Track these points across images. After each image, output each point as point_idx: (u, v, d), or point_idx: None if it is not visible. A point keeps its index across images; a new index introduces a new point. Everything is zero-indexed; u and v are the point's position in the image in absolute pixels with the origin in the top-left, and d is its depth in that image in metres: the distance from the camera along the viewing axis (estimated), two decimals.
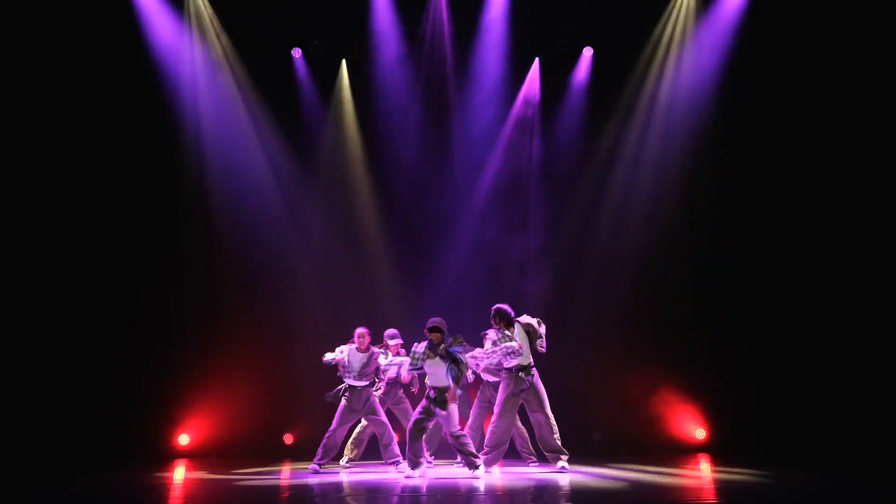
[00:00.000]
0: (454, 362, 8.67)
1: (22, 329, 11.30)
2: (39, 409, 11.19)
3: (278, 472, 9.65)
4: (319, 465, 9.49)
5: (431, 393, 8.83)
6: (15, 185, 11.41)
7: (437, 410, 8.75)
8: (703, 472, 9.23)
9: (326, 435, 9.54)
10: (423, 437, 8.98)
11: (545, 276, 12.29)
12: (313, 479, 8.85)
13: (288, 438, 11.98)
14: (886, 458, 9.84)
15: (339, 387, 9.65)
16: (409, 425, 8.99)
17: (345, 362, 9.58)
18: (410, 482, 8.43)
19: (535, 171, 12.57)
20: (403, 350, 9.99)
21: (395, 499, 7.47)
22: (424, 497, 7.48)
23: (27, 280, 11.41)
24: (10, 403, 11.09)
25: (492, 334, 9.39)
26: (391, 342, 10.02)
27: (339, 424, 9.56)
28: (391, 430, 9.70)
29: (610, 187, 12.38)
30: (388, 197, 12.53)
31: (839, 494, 7.39)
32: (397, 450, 9.59)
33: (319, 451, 9.52)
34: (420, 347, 8.89)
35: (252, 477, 9.17)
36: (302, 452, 11.63)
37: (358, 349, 9.64)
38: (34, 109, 11.41)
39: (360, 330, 9.71)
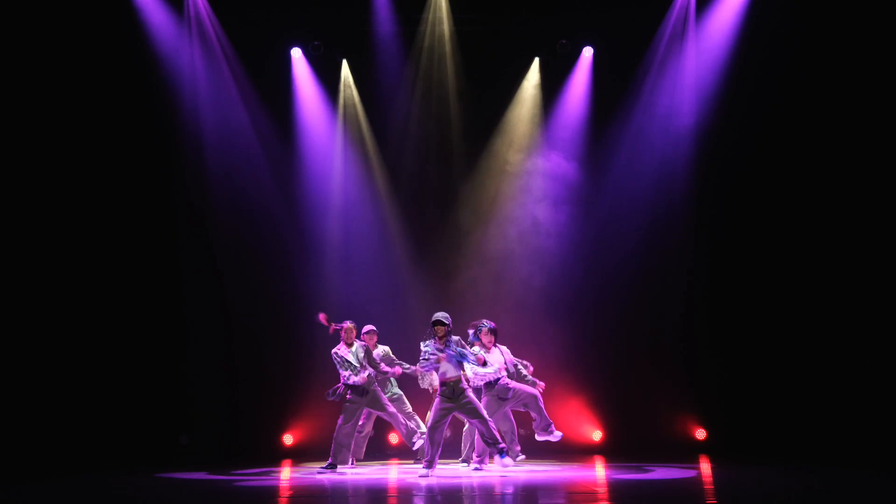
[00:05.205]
0: (460, 355, 8.74)
1: (21, 329, 11.30)
2: (39, 410, 11.20)
3: (278, 473, 9.64)
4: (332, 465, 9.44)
5: (442, 388, 8.79)
6: (21, 184, 11.40)
7: (456, 403, 8.74)
8: (704, 471, 9.22)
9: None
10: (443, 436, 8.90)
11: (543, 274, 12.31)
12: (322, 478, 8.84)
13: (288, 438, 11.97)
14: (884, 457, 9.85)
15: (337, 386, 9.61)
16: (429, 424, 8.95)
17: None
18: (425, 481, 8.40)
19: (535, 169, 12.59)
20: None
21: (394, 500, 7.45)
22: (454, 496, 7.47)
23: (19, 277, 11.39)
24: (13, 405, 11.09)
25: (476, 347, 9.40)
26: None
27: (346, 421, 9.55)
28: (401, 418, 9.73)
29: (610, 186, 12.39)
30: (388, 197, 12.53)
31: (838, 494, 7.38)
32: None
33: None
34: (430, 346, 8.83)
35: (252, 477, 9.15)
36: (302, 453, 11.64)
37: (346, 343, 9.62)
38: (32, 105, 11.40)
39: (347, 324, 9.68)
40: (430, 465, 8.75)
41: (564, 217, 12.38)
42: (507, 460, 8.78)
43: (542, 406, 9.52)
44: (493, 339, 9.50)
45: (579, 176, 12.41)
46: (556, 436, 9.56)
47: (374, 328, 10.13)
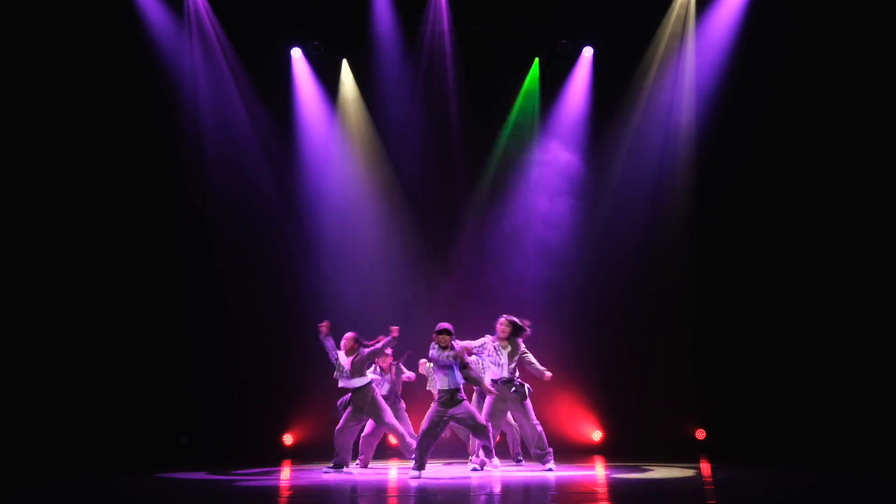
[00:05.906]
0: (462, 366, 8.68)
1: (20, 330, 11.30)
2: (39, 410, 11.20)
3: (278, 473, 9.63)
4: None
5: (441, 396, 8.73)
6: (21, 183, 11.37)
7: (452, 410, 8.67)
8: (704, 471, 9.22)
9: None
10: (435, 441, 8.85)
11: (543, 272, 12.30)
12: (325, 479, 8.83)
13: (288, 438, 11.97)
14: (884, 456, 9.85)
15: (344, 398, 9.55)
16: (423, 427, 8.84)
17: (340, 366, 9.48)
18: (416, 482, 8.36)
19: (536, 168, 12.58)
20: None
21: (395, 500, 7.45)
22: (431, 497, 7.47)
23: (19, 276, 11.39)
24: (13, 405, 11.08)
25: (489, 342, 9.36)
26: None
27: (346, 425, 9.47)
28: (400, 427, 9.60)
29: (610, 186, 12.38)
30: (389, 196, 12.53)
31: (838, 494, 7.38)
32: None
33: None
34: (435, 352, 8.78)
35: (252, 477, 9.15)
36: (302, 453, 11.65)
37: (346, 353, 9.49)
38: (32, 104, 11.39)
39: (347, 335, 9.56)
40: (420, 467, 8.66)
41: (566, 209, 12.35)
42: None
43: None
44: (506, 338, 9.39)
45: (580, 173, 12.40)
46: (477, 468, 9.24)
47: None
